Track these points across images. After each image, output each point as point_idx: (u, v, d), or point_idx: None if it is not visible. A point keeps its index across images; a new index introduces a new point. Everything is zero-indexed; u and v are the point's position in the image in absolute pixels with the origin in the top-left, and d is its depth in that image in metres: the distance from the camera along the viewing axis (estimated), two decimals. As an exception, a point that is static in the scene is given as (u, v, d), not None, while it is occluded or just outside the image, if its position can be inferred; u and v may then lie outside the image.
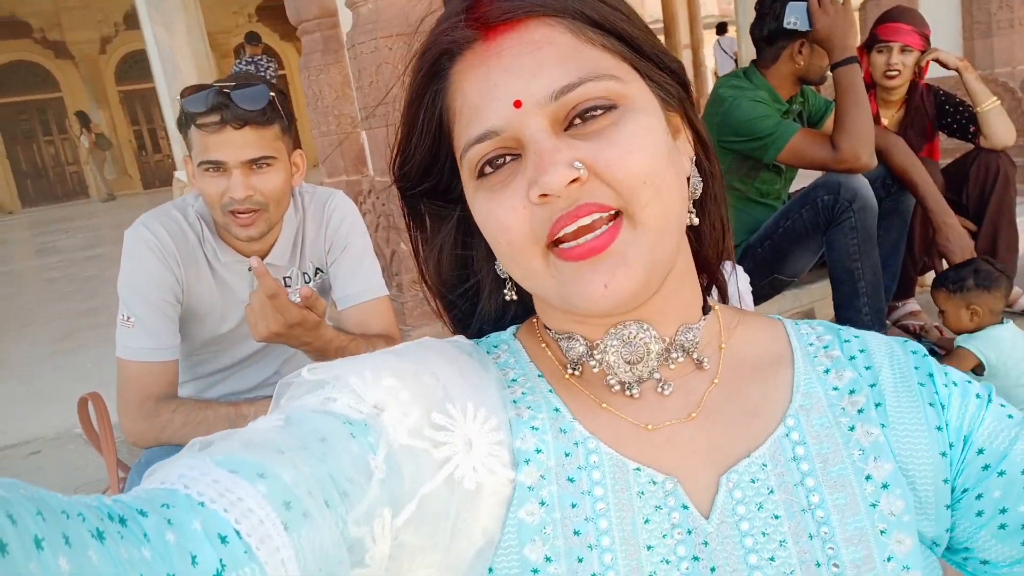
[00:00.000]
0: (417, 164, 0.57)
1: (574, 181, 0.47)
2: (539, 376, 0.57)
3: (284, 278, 1.69)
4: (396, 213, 2.46)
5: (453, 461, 0.48)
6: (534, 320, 0.63)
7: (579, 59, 0.50)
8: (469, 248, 0.62)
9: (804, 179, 2.61)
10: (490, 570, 0.50)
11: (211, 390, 1.78)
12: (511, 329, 0.63)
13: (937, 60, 2.61)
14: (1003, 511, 0.52)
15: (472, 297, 0.64)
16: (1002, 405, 0.56)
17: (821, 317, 2.71)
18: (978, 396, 0.56)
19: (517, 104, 0.48)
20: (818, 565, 0.49)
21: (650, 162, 0.49)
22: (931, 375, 0.56)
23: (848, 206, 2.23)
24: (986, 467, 0.53)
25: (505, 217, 0.50)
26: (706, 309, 0.60)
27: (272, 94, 1.47)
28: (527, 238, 0.50)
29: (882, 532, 0.50)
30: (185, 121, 1.45)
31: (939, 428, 0.54)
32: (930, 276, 2.96)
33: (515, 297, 0.59)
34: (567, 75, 0.49)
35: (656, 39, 0.55)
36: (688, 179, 0.56)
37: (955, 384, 0.56)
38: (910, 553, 0.50)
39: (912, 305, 2.75)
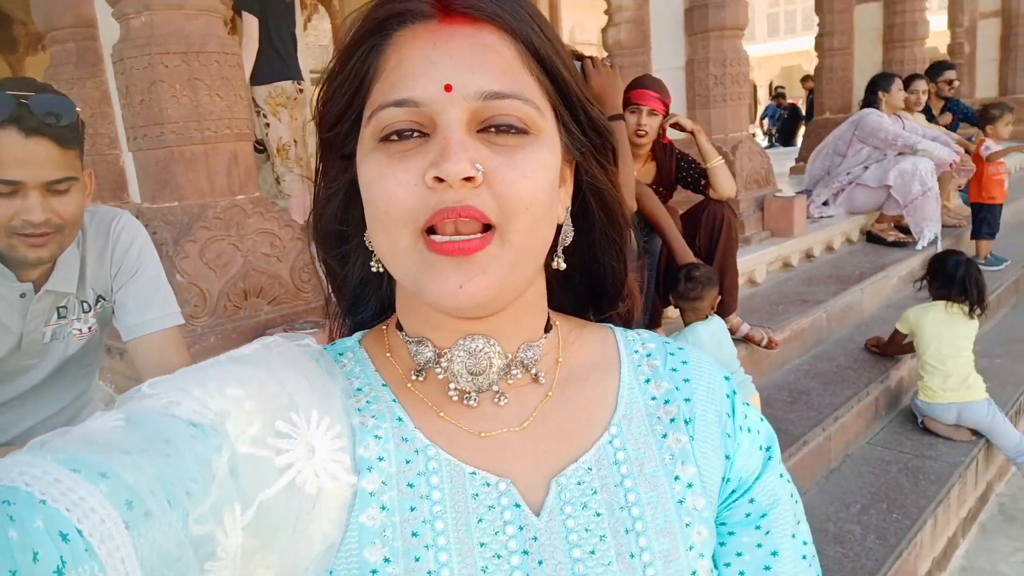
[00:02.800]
0: (333, 109, 0.56)
1: (470, 179, 0.49)
2: (383, 385, 0.59)
3: (58, 308, 1.51)
4: (169, 241, 2.29)
5: (295, 467, 0.49)
6: (383, 327, 0.64)
7: (515, 77, 0.52)
8: (350, 210, 0.62)
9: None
10: (330, 573, 0.51)
11: None
12: (356, 336, 0.65)
13: (676, 124, 3.05)
14: (739, 554, 0.62)
15: (343, 259, 0.65)
16: (779, 463, 0.65)
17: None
18: (763, 448, 0.64)
19: (447, 88, 0.50)
20: (632, 556, 0.55)
21: (537, 194, 0.52)
22: (734, 411, 0.63)
23: (613, 245, 2.50)
24: (748, 515, 0.62)
25: (394, 188, 0.50)
26: (548, 327, 0.64)
27: (78, 109, 1.33)
28: (406, 214, 0.50)
29: (687, 525, 0.57)
30: None
31: (727, 456, 0.62)
32: (671, 310, 3.39)
33: (380, 268, 0.59)
34: (501, 84, 0.51)
35: (589, 94, 0.58)
36: (560, 226, 0.60)
37: (748, 430, 0.63)
38: (706, 543, 0.58)
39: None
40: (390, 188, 0.51)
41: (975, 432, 3.13)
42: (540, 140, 0.53)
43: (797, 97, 15.72)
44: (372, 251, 0.59)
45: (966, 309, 3.21)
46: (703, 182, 3.13)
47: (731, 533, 0.63)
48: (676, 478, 0.59)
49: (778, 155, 9.20)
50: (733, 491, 0.63)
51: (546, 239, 0.56)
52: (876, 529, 2.52)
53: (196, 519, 0.42)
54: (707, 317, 2.72)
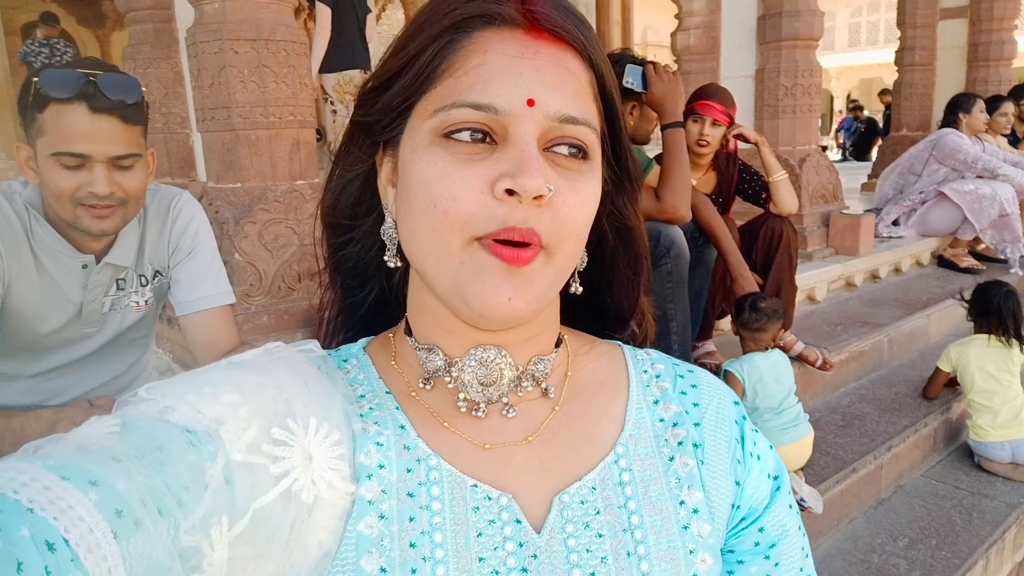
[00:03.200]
0: (389, 94, 0.55)
1: (539, 197, 0.49)
2: (387, 393, 0.59)
3: (118, 280, 1.57)
4: (231, 221, 2.35)
5: (291, 475, 0.48)
6: (390, 335, 0.64)
7: (588, 105, 0.53)
8: (364, 196, 0.61)
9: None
10: None
11: (28, 394, 1.60)
12: (361, 342, 0.65)
13: (740, 135, 2.98)
14: None
15: (344, 240, 0.64)
16: (788, 493, 0.64)
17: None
18: (772, 477, 0.63)
19: (530, 102, 0.49)
20: None
21: (586, 221, 0.53)
22: (743, 437, 0.63)
23: (667, 253, 2.45)
24: (757, 544, 0.61)
25: (460, 190, 0.49)
26: (558, 342, 0.63)
27: (143, 89, 1.38)
28: (468, 220, 0.49)
29: (691, 552, 0.56)
30: (36, 103, 1.30)
31: (737, 483, 0.61)
32: (726, 321, 3.32)
33: (398, 264, 0.59)
34: (577, 109, 0.51)
35: (628, 131, 0.61)
36: None
37: (758, 457, 0.63)
38: (709, 571, 0.57)
39: (710, 346, 3.06)
40: (456, 190, 0.49)
41: (1039, 474, 2.98)
42: (593, 168, 0.54)
43: (876, 111, 15.22)
44: (386, 243, 0.59)
45: (1007, 341, 3.06)
46: (764, 195, 3.05)
47: (740, 562, 0.61)
48: (682, 503, 0.58)
49: (851, 170, 8.96)
50: (743, 519, 0.62)
51: (577, 260, 0.56)
52: (922, 565, 2.42)
53: (187, 529, 0.42)
54: (767, 349, 2.62)
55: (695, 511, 0.58)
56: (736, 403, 0.65)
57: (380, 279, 0.66)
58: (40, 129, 1.32)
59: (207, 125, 2.40)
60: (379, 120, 0.56)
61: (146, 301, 1.65)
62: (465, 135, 0.50)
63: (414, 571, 0.51)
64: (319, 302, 0.69)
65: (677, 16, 4.86)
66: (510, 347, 0.58)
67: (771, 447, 0.66)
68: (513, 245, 0.49)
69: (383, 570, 0.51)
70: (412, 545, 0.52)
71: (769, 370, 2.50)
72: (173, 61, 2.84)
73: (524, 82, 0.50)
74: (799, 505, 2.35)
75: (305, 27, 4.39)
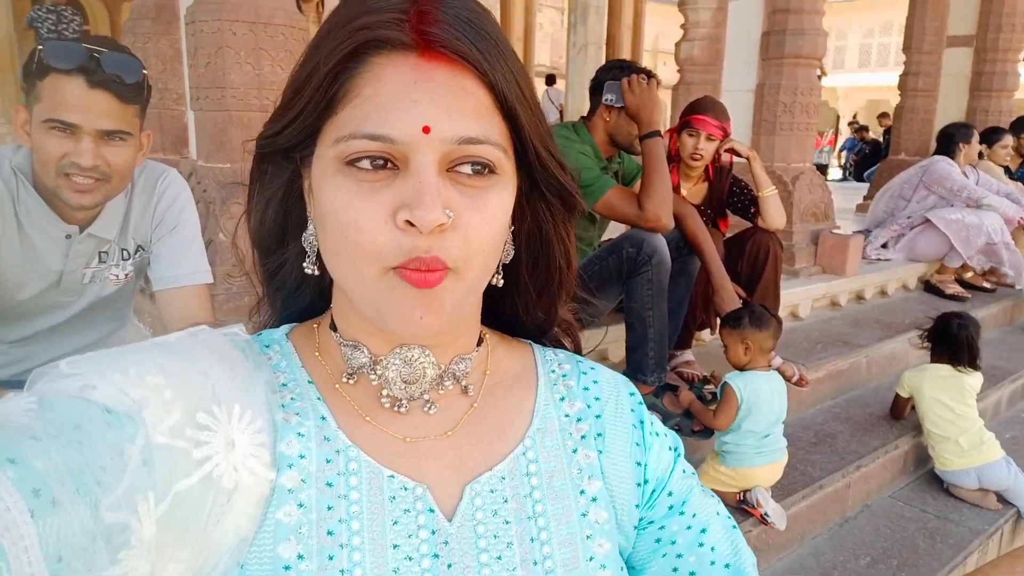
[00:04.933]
0: (295, 121, 0.55)
1: (441, 225, 0.50)
2: (309, 383, 0.60)
3: (100, 252, 1.58)
4: (217, 200, 2.36)
5: (213, 460, 0.48)
6: (315, 325, 0.65)
7: (489, 122, 0.53)
8: (288, 213, 0.61)
9: (614, 231, 2.86)
10: (241, 567, 0.51)
11: (13, 360, 1.61)
12: (284, 328, 0.65)
13: (732, 149, 3.00)
14: (673, 542, 0.65)
15: (278, 260, 0.65)
16: (686, 460, 0.69)
17: (614, 357, 2.96)
18: (671, 449, 0.68)
19: (426, 130, 0.50)
20: (535, 563, 0.58)
21: (493, 237, 0.54)
22: (642, 421, 0.67)
23: (648, 260, 2.48)
24: (671, 507, 0.65)
25: (364, 221, 0.50)
26: (480, 341, 0.66)
27: (145, 71, 1.40)
28: (376, 252, 0.51)
29: (588, 537, 0.60)
30: (38, 71, 1.32)
31: (639, 463, 0.65)
32: (706, 332, 3.35)
33: (316, 272, 0.59)
34: (476, 130, 0.51)
35: (550, 146, 0.59)
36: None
37: (657, 435, 0.68)
38: (608, 555, 0.60)
39: (688, 355, 3.08)
40: (360, 221, 0.50)
41: (1004, 500, 3.01)
42: (502, 181, 0.55)
43: (876, 133, 15.27)
44: (307, 252, 0.60)
45: (961, 369, 3.09)
46: (753, 209, 3.07)
47: (661, 528, 0.65)
48: (582, 492, 0.62)
49: (849, 190, 8.98)
50: (653, 491, 0.66)
51: (492, 269, 0.57)
52: (881, 585, 2.45)
53: (108, 506, 0.42)
54: (770, 365, 2.59)
55: (594, 499, 0.62)
56: (632, 393, 0.69)
57: (315, 285, 0.66)
58: (38, 96, 1.34)
59: (200, 104, 2.41)
60: (291, 144, 0.57)
61: (126, 275, 1.67)
62: (366, 163, 0.51)
63: (331, 557, 0.53)
64: (250, 312, 0.70)
65: (683, 26, 4.88)
66: (433, 347, 0.60)
67: (666, 426, 0.70)
68: (424, 272, 0.51)
69: (300, 557, 0.52)
70: (330, 533, 0.54)
71: (767, 395, 2.45)
72: (173, 38, 2.85)
73: (418, 109, 0.50)
74: (762, 520, 2.37)
75: (317, 11, 4.39)
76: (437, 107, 0.50)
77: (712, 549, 0.64)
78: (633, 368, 2.63)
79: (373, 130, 0.50)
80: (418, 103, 0.50)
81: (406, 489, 0.57)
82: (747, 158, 3.00)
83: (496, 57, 0.53)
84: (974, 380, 3.11)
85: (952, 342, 3.13)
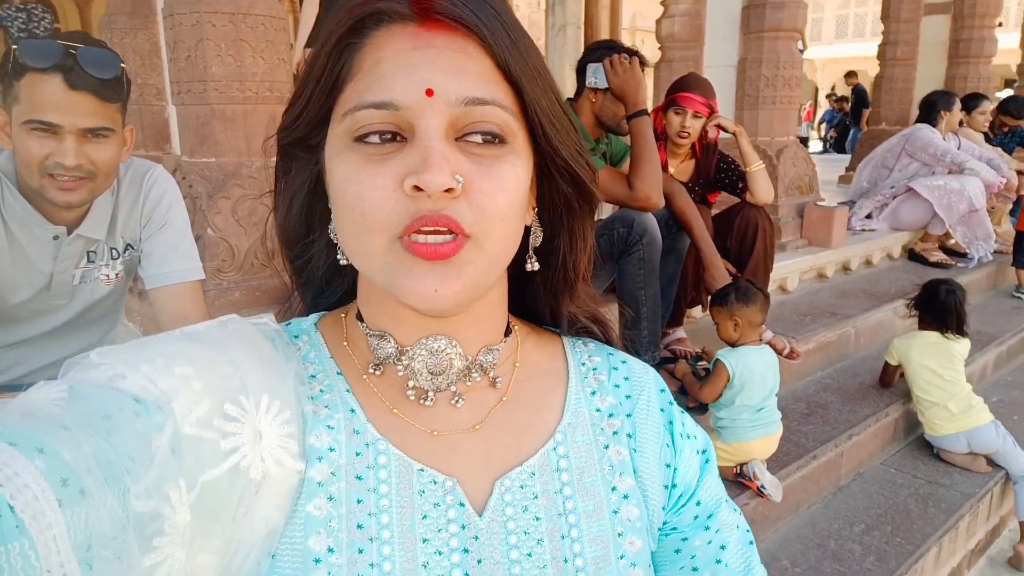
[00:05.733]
0: (305, 104, 0.55)
1: (449, 190, 0.49)
2: (338, 374, 0.60)
3: (88, 252, 1.57)
4: (204, 195, 2.34)
5: (241, 451, 0.48)
6: (342, 314, 0.64)
7: (494, 85, 0.52)
8: (315, 204, 0.61)
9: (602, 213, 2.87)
10: (273, 557, 0.52)
11: (7, 365, 1.60)
12: (313, 318, 0.65)
13: (719, 125, 3.01)
14: (692, 556, 0.64)
15: (306, 256, 0.64)
16: (715, 466, 0.68)
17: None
18: (700, 452, 0.67)
19: (429, 92, 0.49)
20: (565, 561, 0.57)
21: (510, 204, 0.53)
22: (671, 422, 0.66)
23: (639, 239, 2.49)
24: (696, 517, 0.65)
25: (370, 192, 0.50)
26: (508, 331, 0.64)
27: (123, 65, 1.38)
28: (384, 220, 0.50)
29: (619, 535, 0.59)
30: (14, 72, 1.31)
31: (668, 465, 0.64)
32: (697, 309, 3.37)
33: (347, 261, 0.58)
34: (481, 90, 0.51)
35: (564, 123, 0.57)
36: (530, 229, 0.61)
37: (687, 437, 0.66)
38: (638, 553, 0.60)
39: (680, 333, 3.10)
40: (366, 192, 0.50)
41: (993, 463, 3.07)
42: (514, 150, 0.54)
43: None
44: (337, 244, 0.59)
45: (950, 335, 3.14)
46: (741, 185, 3.09)
47: (684, 539, 0.65)
48: (613, 488, 0.61)
49: (831, 162, 9.02)
50: (680, 495, 0.65)
51: (515, 244, 0.56)
52: (877, 551, 2.50)
53: (137, 495, 0.42)
54: (760, 339, 2.61)
55: (625, 496, 0.61)
56: (663, 390, 0.68)
57: (345, 278, 0.66)
58: (16, 97, 1.33)
59: (182, 99, 2.38)
60: (307, 133, 0.56)
61: (116, 274, 1.66)
62: (374, 138, 0.51)
63: (361, 551, 0.53)
64: (283, 310, 0.69)
65: (663, 3, 4.87)
66: (460, 336, 0.59)
67: (697, 425, 0.69)
68: (433, 234, 0.50)
69: (330, 550, 0.52)
70: (360, 526, 0.53)
71: (759, 369, 2.47)
72: (150, 32, 2.81)
73: (419, 73, 0.50)
74: (759, 493, 2.41)
75: (292, 1, 4.34)
76: (438, 70, 0.50)
77: (727, 566, 0.64)
78: (626, 347, 2.64)
79: (375, 97, 0.50)
80: (419, 67, 0.50)
81: (435, 483, 0.56)
82: (734, 134, 3.01)
83: (496, 25, 0.52)
84: (962, 346, 3.15)
85: (940, 309, 3.17)
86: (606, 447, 0.62)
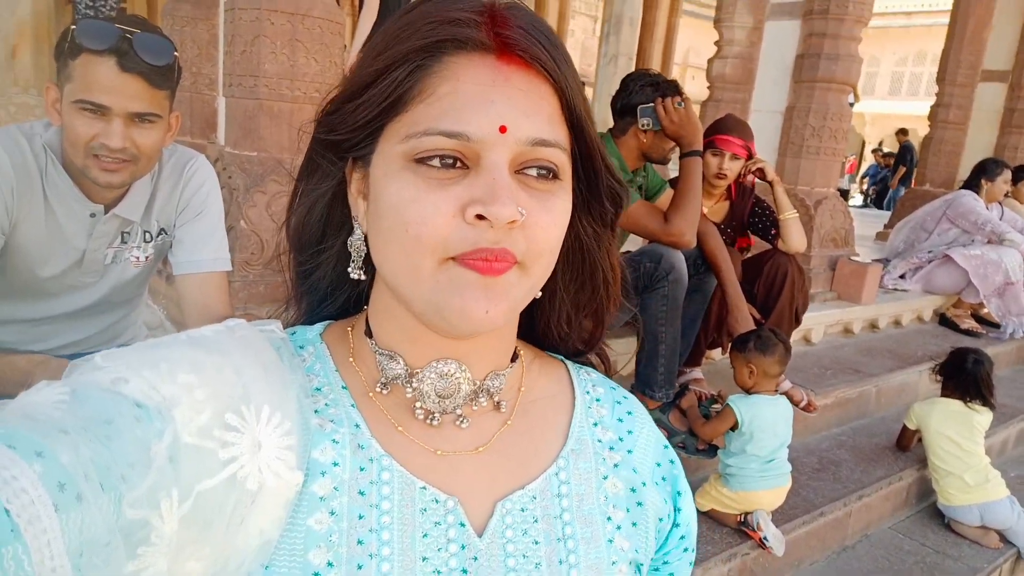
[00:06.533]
0: (356, 114, 0.55)
1: (512, 222, 0.50)
2: (343, 388, 0.60)
3: (123, 232, 1.61)
4: (241, 188, 2.39)
5: (238, 462, 0.48)
6: (348, 328, 0.64)
7: (557, 128, 0.54)
8: (333, 213, 0.61)
9: (632, 244, 2.87)
10: (267, 568, 0.51)
11: (18, 336, 1.64)
12: (318, 327, 0.65)
13: (760, 169, 3.01)
14: (671, 575, 0.69)
15: (313, 263, 0.65)
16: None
17: (622, 369, 2.97)
18: (687, 551, 0.70)
19: (502, 129, 0.50)
20: None
21: (558, 239, 0.55)
22: (673, 461, 0.69)
23: (665, 276, 2.48)
24: (682, 537, 0.68)
25: (431, 215, 0.50)
26: (514, 357, 0.65)
27: (176, 54, 1.42)
28: (440, 244, 0.50)
29: (612, 563, 0.60)
30: (70, 50, 1.34)
31: (665, 501, 0.66)
32: (717, 351, 3.34)
33: (362, 277, 0.60)
34: (548, 132, 0.53)
35: (608, 160, 0.60)
36: None
37: (678, 526, 0.68)
38: None
39: (697, 373, 3.08)
40: (427, 215, 0.50)
41: (1005, 539, 2.99)
42: (564, 188, 0.56)
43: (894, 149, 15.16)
44: (352, 256, 0.60)
45: (972, 405, 3.07)
46: (773, 231, 3.07)
47: (666, 562, 0.68)
48: (609, 519, 0.62)
49: (869, 217, 8.92)
50: (671, 528, 0.68)
51: (549, 273, 0.58)
52: (875, 618, 2.44)
53: (130, 503, 0.42)
54: (777, 390, 2.59)
55: (618, 527, 0.62)
56: (666, 447, 0.70)
57: (349, 289, 0.66)
58: (69, 75, 1.36)
59: (232, 91, 2.44)
60: (348, 139, 0.57)
61: (147, 257, 1.69)
62: (436, 161, 0.51)
63: (360, 567, 0.53)
64: (281, 308, 0.70)
65: (717, 43, 4.88)
66: (469, 360, 0.60)
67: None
68: (486, 256, 0.51)
69: (330, 564, 0.52)
70: (360, 542, 0.53)
71: (771, 419, 2.44)
72: (211, 23, 2.89)
73: (496, 109, 0.51)
74: (761, 544, 2.37)
75: (352, 5, 4.41)
76: (515, 109, 0.51)
77: None
78: (641, 382, 2.64)
79: (450, 127, 0.50)
80: (496, 103, 0.51)
81: (437, 502, 0.56)
82: (770, 182, 3.00)
83: (567, 67, 0.54)
84: (984, 417, 3.09)
85: (965, 377, 3.11)
86: (605, 477, 0.64)
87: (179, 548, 0.46)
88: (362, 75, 0.55)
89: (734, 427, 2.44)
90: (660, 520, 0.66)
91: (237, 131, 2.46)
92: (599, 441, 0.65)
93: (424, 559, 0.55)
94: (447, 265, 0.51)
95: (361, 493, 0.55)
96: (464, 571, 0.55)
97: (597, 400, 0.68)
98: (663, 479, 0.67)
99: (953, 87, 6.32)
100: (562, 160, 0.54)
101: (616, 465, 0.64)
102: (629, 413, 0.68)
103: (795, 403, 3.07)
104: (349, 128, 0.56)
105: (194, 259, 1.66)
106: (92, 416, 0.44)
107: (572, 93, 0.54)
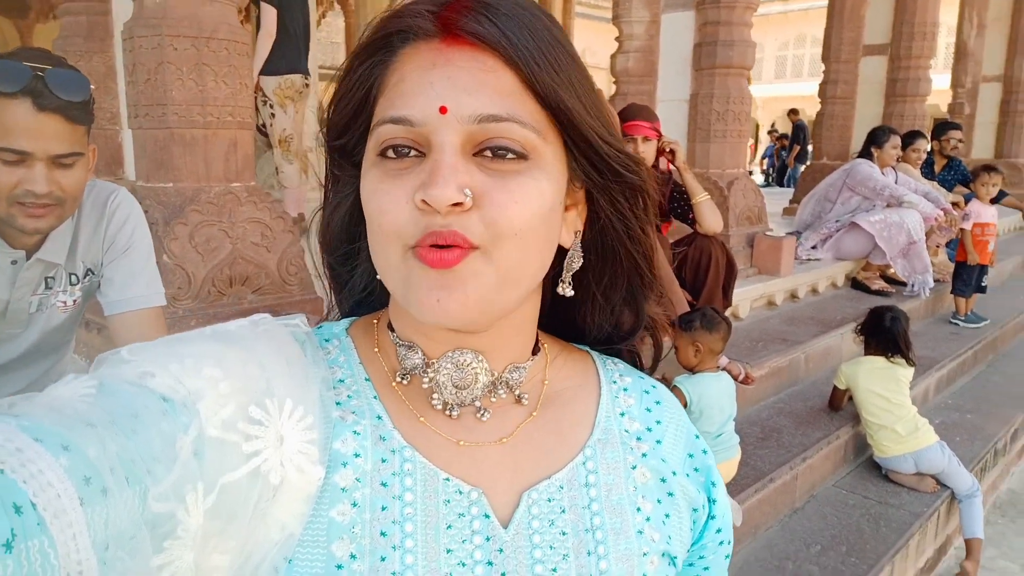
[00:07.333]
0: (340, 119, 0.57)
1: (457, 204, 0.49)
2: (366, 380, 0.59)
3: (47, 278, 1.52)
4: (160, 221, 2.30)
5: (262, 455, 0.48)
6: (374, 320, 0.64)
7: (515, 101, 0.51)
8: (358, 216, 0.61)
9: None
10: (291, 562, 0.51)
11: None
12: (344, 323, 0.65)
13: (673, 151, 3.11)
14: (706, 568, 0.68)
15: (349, 265, 0.65)
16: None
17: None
18: (718, 531, 0.68)
19: (442, 110, 0.50)
20: None
21: (529, 219, 0.51)
22: (705, 451, 0.67)
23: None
24: (718, 530, 0.67)
25: (388, 204, 0.51)
26: (536, 349, 0.64)
27: (92, 87, 1.35)
28: (397, 232, 0.51)
29: (644, 554, 0.59)
30: None
31: (699, 492, 0.65)
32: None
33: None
34: (498, 107, 0.50)
35: (606, 131, 0.56)
36: (566, 250, 0.60)
37: (714, 519, 0.67)
38: (656, 571, 0.59)
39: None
40: (384, 204, 0.51)
41: (940, 483, 3.17)
42: (539, 166, 0.53)
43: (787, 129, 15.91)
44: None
45: (895, 360, 3.26)
46: (691, 215, 3.17)
47: (702, 556, 0.67)
48: (638, 509, 0.61)
49: (774, 195, 9.29)
50: (707, 520, 0.67)
51: (540, 263, 0.56)
52: (833, 571, 2.55)
53: (156, 496, 0.42)
54: (718, 367, 2.66)
55: (648, 518, 0.61)
56: (697, 436, 0.68)
57: (381, 289, 0.65)
58: None
59: (140, 122, 2.34)
60: (345, 144, 0.58)
61: (74, 300, 1.60)
62: (391, 152, 0.52)
63: (383, 559, 0.52)
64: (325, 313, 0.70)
65: (617, 39, 5.00)
66: (487, 351, 0.59)
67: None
68: (439, 248, 0.50)
69: (353, 556, 0.52)
70: (383, 534, 0.53)
71: (717, 396, 2.50)
72: (106, 55, 2.77)
73: (435, 91, 0.50)
74: None
75: (251, 23, 4.32)
76: (455, 88, 0.50)
77: None
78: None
79: (396, 113, 0.51)
80: (435, 85, 0.51)
81: (461, 493, 0.56)
82: (678, 168, 3.11)
83: (525, 39, 0.51)
84: (906, 371, 3.27)
85: (885, 335, 3.28)
86: (633, 467, 0.62)
87: (204, 541, 0.46)
88: (342, 81, 0.57)
89: (683, 407, 2.50)
90: (695, 511, 0.65)
91: (149, 163, 2.36)
92: (626, 431, 0.64)
93: (448, 551, 0.54)
94: (407, 256, 0.51)
95: (383, 484, 0.54)
96: (490, 563, 0.54)
97: (624, 390, 0.67)
98: (696, 470, 0.66)
99: (838, 64, 6.67)
100: (524, 136, 0.51)
101: (644, 455, 0.63)
102: (657, 403, 0.67)
103: (734, 377, 3.16)
104: (339, 130, 0.57)
105: (126, 297, 1.58)
106: (118, 410, 0.44)
107: (529, 63, 0.51)
